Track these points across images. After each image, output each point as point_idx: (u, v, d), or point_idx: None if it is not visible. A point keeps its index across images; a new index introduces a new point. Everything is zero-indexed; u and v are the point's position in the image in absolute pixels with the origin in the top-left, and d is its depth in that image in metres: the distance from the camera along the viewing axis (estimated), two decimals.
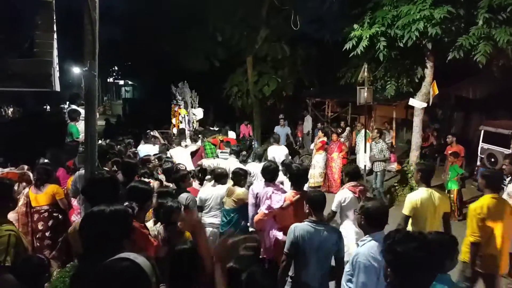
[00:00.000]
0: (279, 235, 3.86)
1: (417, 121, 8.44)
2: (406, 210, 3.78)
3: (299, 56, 13.89)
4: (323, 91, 14.68)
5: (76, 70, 24.27)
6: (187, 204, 4.07)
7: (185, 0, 11.85)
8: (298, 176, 3.94)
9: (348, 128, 11.38)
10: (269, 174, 4.26)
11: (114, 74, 35.89)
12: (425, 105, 8.23)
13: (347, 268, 2.81)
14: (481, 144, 8.99)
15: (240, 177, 4.79)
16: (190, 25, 12.41)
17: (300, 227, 3.08)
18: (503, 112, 11.97)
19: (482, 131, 9.12)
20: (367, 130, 9.01)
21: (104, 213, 1.94)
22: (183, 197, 4.16)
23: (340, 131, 10.45)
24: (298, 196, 3.76)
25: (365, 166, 8.29)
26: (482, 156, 8.83)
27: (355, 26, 7.78)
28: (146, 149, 7.77)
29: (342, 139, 9.92)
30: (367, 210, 2.75)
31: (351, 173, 4.46)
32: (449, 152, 7.94)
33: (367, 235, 2.74)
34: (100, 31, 3.52)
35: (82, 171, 4.14)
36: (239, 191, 4.70)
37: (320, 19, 14.41)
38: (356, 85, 9.48)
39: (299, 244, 3.03)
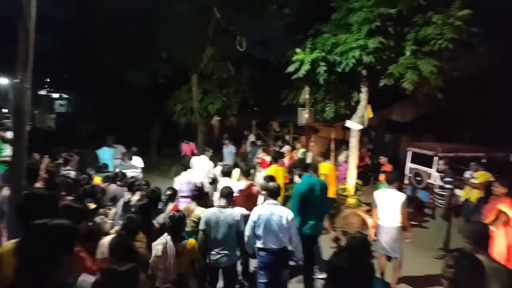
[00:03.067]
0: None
1: (353, 142, 8.94)
2: None
3: (244, 76, 14.17)
4: (267, 111, 15.05)
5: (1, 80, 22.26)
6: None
7: (130, 14, 11.61)
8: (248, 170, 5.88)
9: (287, 147, 11.68)
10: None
11: (46, 86, 33.56)
12: (361, 127, 8.76)
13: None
14: (408, 164, 9.76)
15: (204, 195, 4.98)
16: (134, 39, 12.13)
17: (210, 211, 4.29)
18: (428, 135, 13.18)
19: (410, 152, 9.92)
20: (305, 150, 9.35)
21: (47, 225, 1.86)
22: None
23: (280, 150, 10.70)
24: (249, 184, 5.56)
25: None
26: (410, 175, 9.57)
27: (298, 50, 8.16)
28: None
29: (285, 160, 10.17)
30: (268, 187, 4.50)
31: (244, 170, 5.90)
32: (381, 171, 8.54)
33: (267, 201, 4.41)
34: (35, 40, 3.31)
35: (5, 191, 3.78)
36: (199, 211, 4.59)
37: (266, 41, 14.89)
38: (298, 106, 9.88)
39: (209, 222, 4.21)
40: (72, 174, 6.74)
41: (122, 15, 11.67)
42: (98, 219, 4.18)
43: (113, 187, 5.85)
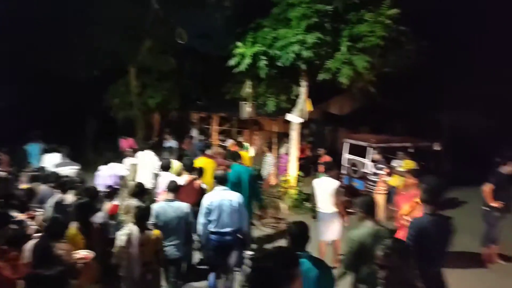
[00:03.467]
0: None
1: (294, 135, 9.19)
2: None
3: (185, 70, 13.86)
4: (210, 105, 14.89)
5: None
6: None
7: (61, 2, 10.73)
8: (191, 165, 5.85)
9: (231, 141, 11.69)
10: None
11: None
12: (301, 120, 9.03)
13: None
14: (345, 155, 10.26)
15: (141, 191, 4.86)
16: (66, 29, 11.25)
17: (158, 205, 4.37)
18: (363, 127, 13.95)
19: (346, 144, 10.43)
20: (247, 144, 9.44)
21: None
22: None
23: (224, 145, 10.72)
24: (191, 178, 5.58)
25: None
26: (347, 165, 10.08)
27: (239, 44, 8.16)
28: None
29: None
30: (216, 175, 4.73)
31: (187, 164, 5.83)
32: (319, 162, 8.90)
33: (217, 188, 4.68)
34: None
35: None
36: None
37: (207, 34, 14.68)
38: (240, 100, 9.92)
39: (159, 215, 4.26)
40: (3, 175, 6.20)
41: (53, 2, 10.76)
42: (23, 222, 3.85)
43: (41, 188, 5.41)
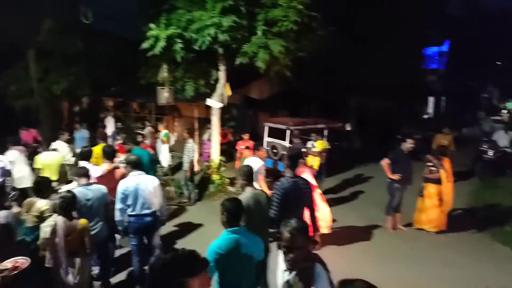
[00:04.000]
0: None
1: (215, 120, 9.12)
2: None
3: (96, 53, 12.77)
4: (125, 91, 14.02)
5: None
6: None
7: None
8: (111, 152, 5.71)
9: (149, 128, 11.22)
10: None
11: None
12: (221, 105, 8.97)
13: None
14: (266, 138, 10.52)
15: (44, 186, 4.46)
16: None
17: (77, 190, 4.24)
18: (282, 110, 14.41)
19: (266, 127, 10.69)
20: (168, 131, 9.13)
21: None
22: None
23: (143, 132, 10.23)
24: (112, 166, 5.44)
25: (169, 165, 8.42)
26: (268, 148, 10.34)
27: (152, 25, 7.74)
28: None
29: (146, 141, 9.74)
30: (129, 160, 4.84)
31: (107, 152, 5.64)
32: (241, 146, 8.99)
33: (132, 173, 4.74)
34: None
35: None
36: (41, 204, 4.14)
37: (119, 15, 13.63)
38: (157, 85, 9.49)
39: (80, 200, 4.22)
40: None
41: None
42: None
43: None
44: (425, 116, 22.52)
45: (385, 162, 6.64)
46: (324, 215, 5.97)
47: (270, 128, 10.65)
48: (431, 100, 24.14)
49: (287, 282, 2.33)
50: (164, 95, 9.10)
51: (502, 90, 28.84)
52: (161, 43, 7.57)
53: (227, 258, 2.88)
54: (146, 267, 4.76)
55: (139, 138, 9.65)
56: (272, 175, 8.78)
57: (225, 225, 3.05)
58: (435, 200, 6.74)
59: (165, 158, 9.62)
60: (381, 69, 14.66)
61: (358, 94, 16.23)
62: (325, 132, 10.33)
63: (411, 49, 17.88)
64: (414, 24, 16.21)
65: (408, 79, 17.44)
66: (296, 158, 4.42)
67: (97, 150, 6.27)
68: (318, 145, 8.61)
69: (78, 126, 10.08)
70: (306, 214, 4.27)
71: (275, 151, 10.16)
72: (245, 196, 3.97)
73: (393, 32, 14.59)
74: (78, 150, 7.19)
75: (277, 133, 10.22)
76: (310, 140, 8.94)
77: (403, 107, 19.48)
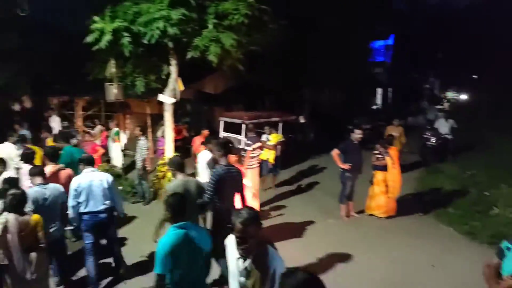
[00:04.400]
0: None
1: (168, 116, 8.87)
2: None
3: (37, 48, 11.90)
4: (72, 88, 13.23)
5: None
6: None
7: None
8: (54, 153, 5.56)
9: (99, 127, 10.72)
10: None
11: None
12: (174, 100, 8.73)
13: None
14: (221, 133, 10.46)
15: None
16: None
17: (34, 190, 4.29)
18: (237, 104, 14.38)
19: (222, 122, 10.62)
20: (119, 129, 8.77)
21: None
22: None
23: (92, 130, 9.76)
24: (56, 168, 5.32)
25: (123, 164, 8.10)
26: None
27: (96, 18, 7.35)
28: None
29: (97, 141, 9.33)
30: (83, 158, 4.96)
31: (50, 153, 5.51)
32: (197, 142, 8.86)
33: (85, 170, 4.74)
34: None
35: None
36: None
37: (61, 7, 12.78)
38: (105, 81, 9.04)
39: (38, 200, 4.24)
40: None
41: None
42: None
43: None
44: (374, 107, 23.55)
45: (335, 152, 6.86)
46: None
47: (226, 123, 10.59)
48: (379, 91, 25.26)
49: (245, 269, 2.36)
50: (113, 92, 8.68)
51: (442, 81, 30.88)
52: (107, 37, 7.20)
53: (178, 253, 2.83)
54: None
55: (87, 137, 9.23)
56: None
57: (170, 221, 3.04)
58: (382, 186, 7.08)
59: (117, 157, 9.24)
60: (332, 62, 15.08)
61: (311, 87, 16.59)
62: (280, 125, 10.46)
63: (360, 43, 18.58)
64: (362, 18, 16.82)
65: (358, 72, 18.12)
66: (227, 146, 4.63)
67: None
68: (273, 138, 8.69)
69: (18, 126, 9.38)
70: (237, 198, 4.54)
71: (231, 145, 10.11)
72: (174, 183, 4.27)
73: (343, 26, 15.04)
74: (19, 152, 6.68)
75: (233, 128, 10.20)
76: (264, 133, 9.00)
77: (354, 98, 20.22)
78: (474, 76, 28.13)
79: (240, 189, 4.54)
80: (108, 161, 9.59)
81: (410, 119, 20.78)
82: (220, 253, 3.13)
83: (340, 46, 15.16)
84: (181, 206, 3.07)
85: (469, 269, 4.58)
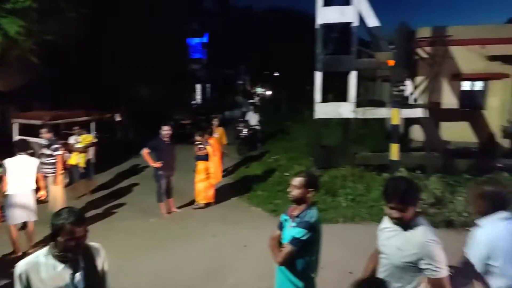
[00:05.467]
0: None
1: None
2: None
3: None
4: None
5: None
6: None
7: None
8: None
9: None
10: None
11: None
12: None
13: None
14: (17, 137, 8.81)
15: None
16: None
17: None
18: (38, 103, 12.38)
19: (16, 124, 8.96)
20: None
21: None
22: None
23: None
24: None
25: None
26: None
27: None
28: None
29: None
30: None
31: None
32: None
33: None
34: None
35: None
36: None
37: None
38: None
39: None
40: None
41: None
42: None
43: None
44: (194, 102, 24.38)
45: (145, 151, 6.77)
46: None
47: (22, 125, 8.97)
48: (198, 87, 26.27)
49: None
50: None
51: (252, 78, 34.57)
52: None
53: None
54: None
55: None
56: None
57: None
58: (203, 174, 7.48)
59: None
60: (149, 57, 14.74)
61: (128, 83, 15.82)
62: (92, 125, 9.57)
63: (176, 40, 18.77)
64: (176, 15, 17.01)
65: (176, 68, 18.32)
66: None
67: None
68: (83, 140, 7.88)
69: None
70: None
71: (31, 151, 8.63)
72: None
73: (159, 22, 14.86)
74: None
75: (32, 130, 8.71)
76: (73, 134, 8.07)
77: (174, 94, 20.39)
78: (276, 74, 32.58)
79: None
80: None
81: (227, 113, 22.47)
82: None
83: (156, 41, 14.95)
84: None
85: None
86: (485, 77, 11.39)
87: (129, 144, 11.69)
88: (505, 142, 11.06)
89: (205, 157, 7.48)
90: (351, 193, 7.32)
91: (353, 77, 8.87)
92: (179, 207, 7.49)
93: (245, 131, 12.63)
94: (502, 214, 2.39)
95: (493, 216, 2.40)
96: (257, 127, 13.27)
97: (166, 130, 6.89)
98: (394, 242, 2.33)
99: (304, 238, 2.70)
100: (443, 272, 2.13)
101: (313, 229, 2.76)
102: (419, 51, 11.38)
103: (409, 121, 10.88)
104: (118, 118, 11.60)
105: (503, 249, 2.29)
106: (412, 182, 2.33)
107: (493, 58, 10.87)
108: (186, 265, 5.21)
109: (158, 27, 15.24)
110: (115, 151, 10.74)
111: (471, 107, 11.54)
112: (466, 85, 11.79)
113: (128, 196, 8.41)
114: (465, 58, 11.05)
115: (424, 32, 11.43)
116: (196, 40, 27.57)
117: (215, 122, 9.69)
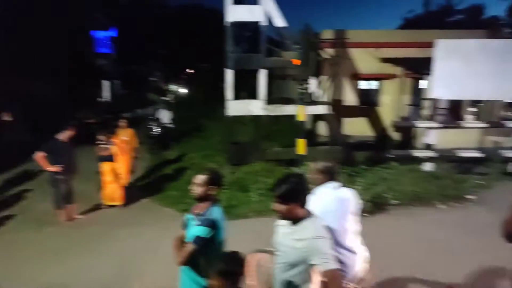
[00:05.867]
0: None
1: None
2: None
3: None
4: None
5: None
6: None
7: None
8: None
9: None
10: None
11: None
12: None
13: None
14: None
15: None
16: None
17: None
18: None
19: None
20: None
21: None
22: None
23: None
24: None
25: None
26: None
27: None
28: None
29: None
30: None
31: None
32: None
33: None
34: None
35: None
36: None
37: None
38: None
39: None
40: None
41: None
42: None
43: None
44: (101, 99, 22.74)
45: (38, 155, 6.11)
46: None
47: None
48: (106, 83, 24.56)
49: None
50: None
51: (165, 74, 33.46)
52: None
53: None
54: None
55: None
56: None
57: None
58: (110, 176, 7.07)
59: None
60: (48, 51, 13.30)
61: (19, 77, 14.07)
62: None
63: (79, 32, 17.25)
64: (80, 6, 15.65)
65: (79, 62, 16.84)
66: None
67: None
68: None
69: None
70: None
71: None
72: None
73: (59, 12, 13.49)
74: None
75: None
76: None
77: (76, 91, 18.74)
78: (191, 71, 32.05)
79: None
80: None
81: (140, 111, 21.37)
82: None
83: (55, 32, 13.56)
84: None
85: None
86: (379, 77, 12.65)
87: (23, 146, 10.41)
88: (396, 135, 12.44)
89: (110, 158, 7.03)
90: (261, 187, 7.52)
91: (262, 75, 9.10)
92: (82, 213, 6.92)
93: (157, 129, 12.17)
94: (333, 184, 2.97)
95: (326, 186, 2.95)
96: (170, 125, 12.89)
97: (65, 130, 6.32)
98: (286, 238, 2.41)
99: (206, 236, 2.67)
100: (334, 264, 2.23)
101: (215, 226, 2.75)
102: (322, 52, 12.15)
103: (316, 117, 11.58)
104: (7, 117, 10.26)
105: (331, 210, 2.81)
106: (301, 180, 2.38)
107: (385, 60, 12.11)
108: (86, 276, 4.82)
109: (58, 17, 13.86)
110: (2, 154, 9.49)
111: (368, 104, 12.74)
112: (363, 84, 12.95)
113: (19, 205, 7.50)
114: (362, 59, 12.14)
115: (327, 34, 12.23)
116: (103, 33, 25.67)
117: (122, 123, 8.56)
